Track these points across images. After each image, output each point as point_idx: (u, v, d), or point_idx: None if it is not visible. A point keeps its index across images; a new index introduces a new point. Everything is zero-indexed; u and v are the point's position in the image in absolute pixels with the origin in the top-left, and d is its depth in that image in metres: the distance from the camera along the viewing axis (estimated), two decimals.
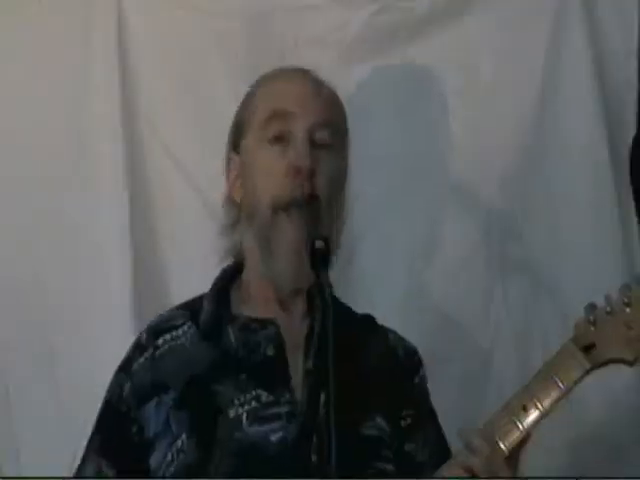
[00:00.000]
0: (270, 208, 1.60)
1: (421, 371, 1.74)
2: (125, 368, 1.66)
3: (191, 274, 2.04)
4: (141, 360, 1.64)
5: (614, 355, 1.51)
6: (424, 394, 1.73)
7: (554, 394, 1.50)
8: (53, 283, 2.08)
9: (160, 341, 1.65)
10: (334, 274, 1.59)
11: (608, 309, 1.52)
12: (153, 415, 1.59)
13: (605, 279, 2.11)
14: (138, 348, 1.67)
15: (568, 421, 2.08)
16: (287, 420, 1.54)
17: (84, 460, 1.66)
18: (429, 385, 1.76)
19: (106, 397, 1.67)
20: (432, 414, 1.73)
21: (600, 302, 1.56)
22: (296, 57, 2.11)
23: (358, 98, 2.08)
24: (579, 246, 2.13)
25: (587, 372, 1.52)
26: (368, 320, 1.75)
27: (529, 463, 2.07)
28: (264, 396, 1.56)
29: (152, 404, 1.59)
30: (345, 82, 2.08)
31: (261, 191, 1.62)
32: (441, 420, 1.75)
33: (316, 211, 1.56)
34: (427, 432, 1.68)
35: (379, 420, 1.60)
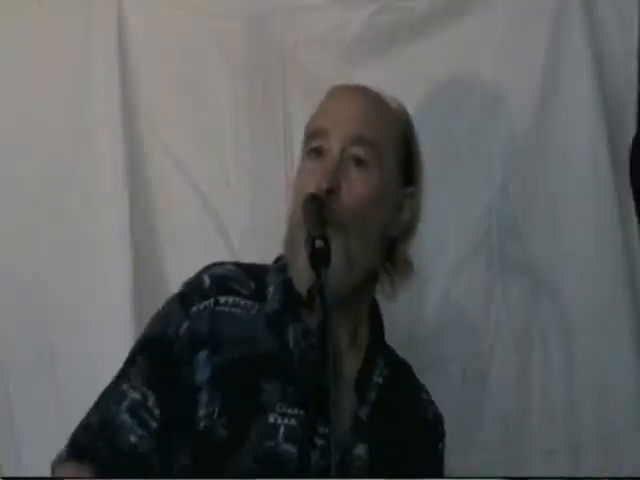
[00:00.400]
0: (299, 223, 1.56)
1: (442, 443, 1.71)
2: (182, 304, 1.59)
3: (191, 274, 2.03)
4: (201, 306, 1.58)
5: None
6: (439, 464, 1.70)
7: None
8: (53, 283, 2.08)
9: (223, 299, 1.58)
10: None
11: None
12: (202, 365, 1.53)
13: (605, 279, 2.12)
14: (199, 290, 1.60)
15: (568, 423, 2.09)
16: (321, 453, 1.51)
17: (125, 379, 1.56)
18: (430, 390, 1.75)
19: (155, 328, 1.60)
20: None
21: None
22: (296, 57, 2.11)
23: None
24: (579, 246, 2.13)
25: None
26: (408, 370, 1.73)
27: (530, 463, 2.09)
28: (304, 419, 1.53)
29: (204, 354, 1.54)
30: (345, 82, 2.08)
31: (298, 206, 1.58)
32: None
33: (318, 209, 1.54)
34: None
35: None
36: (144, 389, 1.54)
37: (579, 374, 2.11)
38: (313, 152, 1.62)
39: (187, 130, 2.13)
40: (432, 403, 1.72)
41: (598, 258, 2.12)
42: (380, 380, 1.63)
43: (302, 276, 1.53)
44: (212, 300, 1.58)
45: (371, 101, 1.67)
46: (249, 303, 1.60)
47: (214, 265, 1.65)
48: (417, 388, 1.72)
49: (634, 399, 2.10)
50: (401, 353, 1.75)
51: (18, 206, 2.08)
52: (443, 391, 1.79)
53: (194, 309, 1.58)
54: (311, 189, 1.56)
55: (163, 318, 1.61)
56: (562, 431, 2.10)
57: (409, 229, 1.70)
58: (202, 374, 1.53)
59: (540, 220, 2.15)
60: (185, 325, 1.56)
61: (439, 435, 1.71)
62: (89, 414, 1.56)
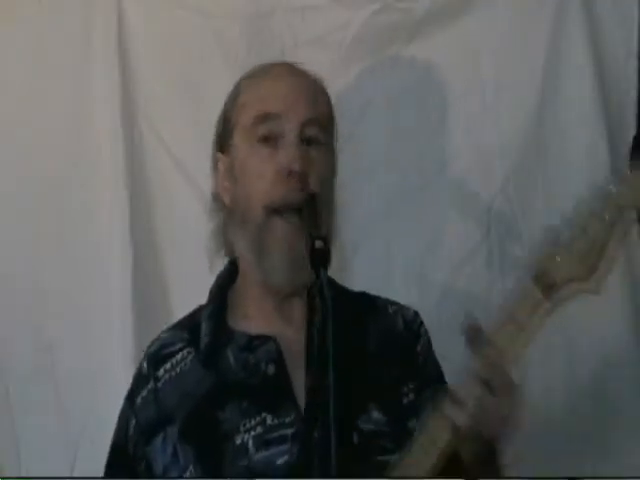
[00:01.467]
0: (263, 212, 1.57)
1: (422, 337, 1.68)
2: (129, 402, 1.64)
3: (191, 274, 2.04)
4: (144, 393, 1.62)
5: (575, 289, 1.46)
6: (427, 359, 1.67)
7: (514, 335, 1.42)
8: (53, 283, 2.08)
9: (161, 372, 1.62)
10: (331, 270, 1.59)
11: (568, 240, 1.44)
12: (160, 450, 1.57)
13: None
14: (140, 379, 1.64)
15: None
16: (292, 442, 1.51)
17: None
18: None
19: (114, 437, 1.65)
20: (437, 374, 1.67)
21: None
22: (296, 57, 2.11)
23: (355, 100, 2.09)
24: None
25: (548, 312, 1.44)
26: (365, 298, 1.71)
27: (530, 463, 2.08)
28: (269, 419, 1.53)
29: (159, 439, 1.57)
30: (345, 82, 2.09)
31: (254, 194, 1.59)
32: None
33: (314, 210, 1.54)
34: (428, 394, 1.61)
35: (375, 414, 1.56)
36: None
37: (579, 374, 2.10)
38: (265, 139, 1.60)
39: (187, 130, 2.14)
40: (400, 309, 1.70)
41: None
42: None
43: (283, 274, 1.55)
44: (152, 381, 1.62)
45: (308, 78, 1.67)
46: (185, 352, 1.63)
47: (149, 345, 1.68)
48: (379, 310, 1.69)
49: (634, 399, 2.10)
50: None
51: (18, 206, 2.08)
52: None
53: (138, 401, 1.62)
54: (270, 174, 1.56)
55: (118, 423, 1.65)
56: (562, 431, 2.09)
57: None
58: (162, 458, 1.57)
59: (540, 220, 2.15)
60: (133, 422, 1.61)
61: (415, 333, 1.68)
62: None
